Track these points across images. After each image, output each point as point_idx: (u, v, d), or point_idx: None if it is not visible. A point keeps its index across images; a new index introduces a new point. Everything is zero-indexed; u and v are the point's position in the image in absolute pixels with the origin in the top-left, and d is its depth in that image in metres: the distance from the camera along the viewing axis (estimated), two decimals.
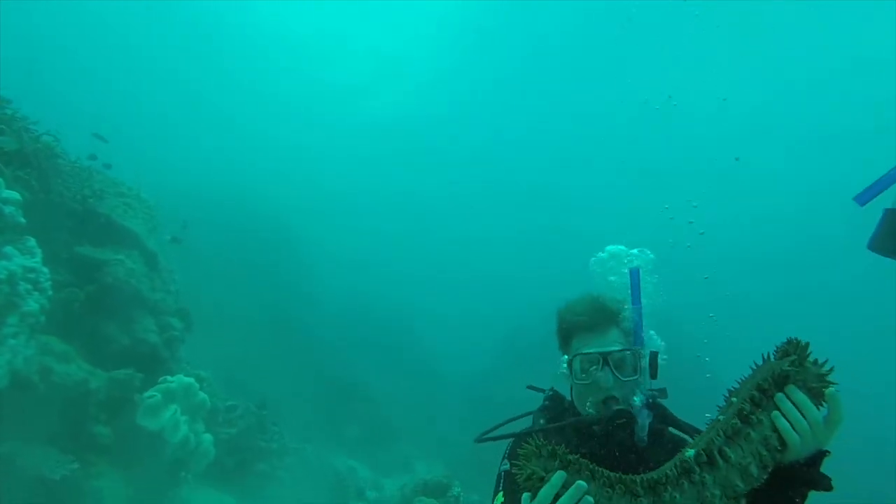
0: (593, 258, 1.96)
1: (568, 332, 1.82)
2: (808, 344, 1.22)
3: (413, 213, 27.19)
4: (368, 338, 15.60)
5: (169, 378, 4.94)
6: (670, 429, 1.79)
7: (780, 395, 1.19)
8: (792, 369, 1.19)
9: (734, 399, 1.26)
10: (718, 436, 1.20)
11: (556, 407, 1.88)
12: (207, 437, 5.38)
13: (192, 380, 5.10)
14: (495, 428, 1.84)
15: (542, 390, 1.95)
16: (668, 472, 1.20)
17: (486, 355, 15.91)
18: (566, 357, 1.82)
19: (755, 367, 1.29)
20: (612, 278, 1.88)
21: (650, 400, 1.79)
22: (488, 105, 27.65)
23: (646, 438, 1.73)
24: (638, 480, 1.20)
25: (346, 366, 13.96)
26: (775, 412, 1.18)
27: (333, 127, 28.04)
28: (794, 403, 1.18)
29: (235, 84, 26.61)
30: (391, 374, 14.89)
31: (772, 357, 1.27)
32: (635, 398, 1.74)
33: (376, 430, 12.54)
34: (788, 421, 1.18)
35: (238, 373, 9.61)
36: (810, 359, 1.20)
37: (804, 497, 1.28)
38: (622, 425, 1.68)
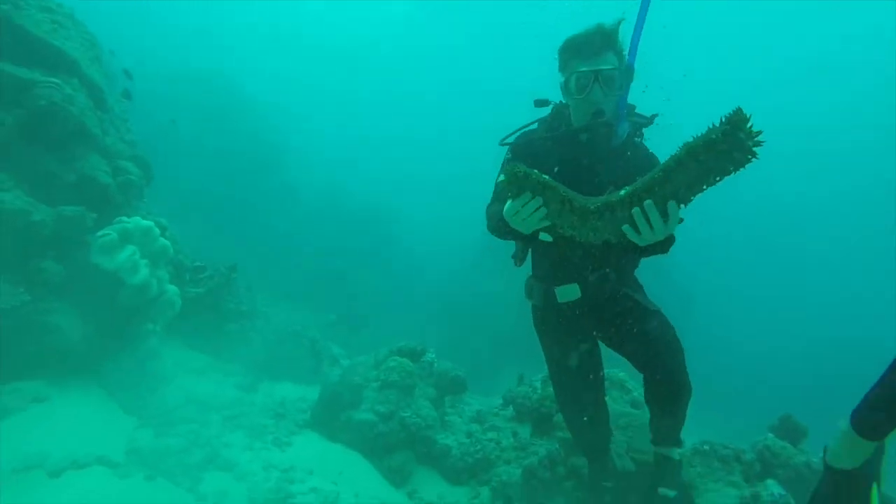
0: None
1: (567, 54, 2.10)
2: (746, 117, 1.41)
3: (393, 112, 26.18)
4: (346, 234, 15.45)
5: (125, 219, 4.58)
6: (644, 142, 2.19)
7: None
8: (720, 138, 1.43)
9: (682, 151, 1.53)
10: (652, 184, 1.55)
11: (556, 118, 2.22)
12: (172, 287, 5.14)
13: (151, 223, 4.75)
14: (513, 133, 2.31)
15: (548, 102, 2.27)
16: (598, 204, 1.61)
17: (465, 252, 15.97)
18: (563, 78, 2.11)
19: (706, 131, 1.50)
20: None
21: (634, 119, 2.13)
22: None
23: (621, 146, 2.07)
24: (578, 206, 1.63)
25: (322, 257, 13.80)
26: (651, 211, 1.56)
27: (315, 20, 26.15)
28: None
29: None
30: (369, 269, 14.89)
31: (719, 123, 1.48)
32: (619, 113, 2.06)
33: (351, 319, 12.62)
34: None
35: (206, 249, 9.31)
36: (745, 127, 1.42)
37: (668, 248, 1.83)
38: (602, 131, 2.02)
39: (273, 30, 24.70)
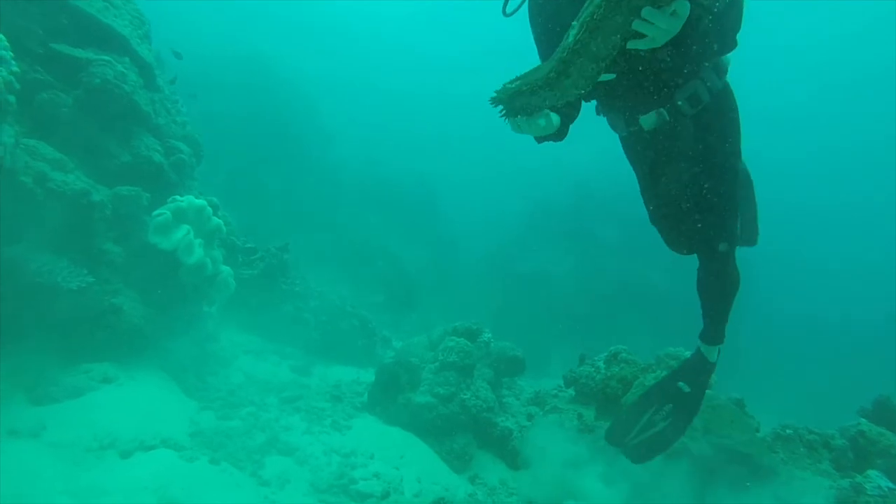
0: None
1: None
2: None
3: (433, 75, 25.50)
4: (390, 208, 15.19)
5: (178, 197, 4.50)
6: None
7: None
8: None
9: None
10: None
11: None
12: (226, 268, 5.07)
13: (204, 202, 4.66)
14: None
15: None
16: (551, 64, 1.55)
17: (511, 229, 15.55)
18: None
19: None
20: None
21: None
22: None
23: None
24: (541, 78, 1.58)
25: (367, 234, 13.63)
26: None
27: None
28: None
29: None
30: (414, 245, 14.65)
31: None
32: None
33: (399, 298, 12.45)
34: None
35: (251, 230, 9.33)
36: None
37: None
38: None
39: (306, 14, 24.46)
